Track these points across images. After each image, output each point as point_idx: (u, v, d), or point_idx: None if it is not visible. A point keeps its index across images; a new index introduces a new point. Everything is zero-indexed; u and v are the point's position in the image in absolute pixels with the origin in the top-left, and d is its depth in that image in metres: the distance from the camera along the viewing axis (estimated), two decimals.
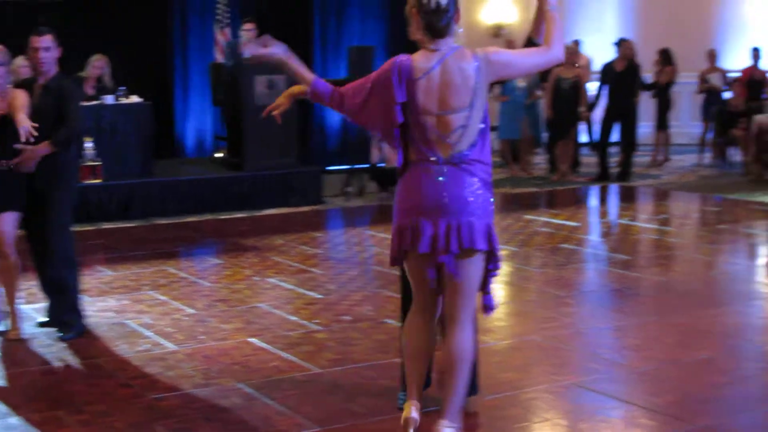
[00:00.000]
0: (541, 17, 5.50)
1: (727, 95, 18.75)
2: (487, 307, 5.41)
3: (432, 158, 5.15)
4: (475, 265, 5.23)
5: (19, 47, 8.64)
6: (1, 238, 7.62)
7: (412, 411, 5.39)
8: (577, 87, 16.39)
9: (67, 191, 7.80)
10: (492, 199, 5.29)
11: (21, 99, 7.48)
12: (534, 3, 5.64)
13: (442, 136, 5.13)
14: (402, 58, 5.17)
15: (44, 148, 7.51)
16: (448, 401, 5.31)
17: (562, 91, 16.33)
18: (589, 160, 18.29)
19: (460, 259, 5.18)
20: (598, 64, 18.05)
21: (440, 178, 5.13)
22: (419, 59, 5.14)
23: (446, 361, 5.31)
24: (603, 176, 16.72)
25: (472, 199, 5.16)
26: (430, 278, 5.29)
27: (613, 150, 17.28)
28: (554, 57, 5.28)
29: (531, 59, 5.31)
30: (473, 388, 5.84)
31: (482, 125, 5.22)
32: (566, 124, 16.57)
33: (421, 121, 5.14)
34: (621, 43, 17.00)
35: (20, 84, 7.93)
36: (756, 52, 18.79)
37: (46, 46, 7.70)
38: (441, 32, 5.15)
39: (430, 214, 5.13)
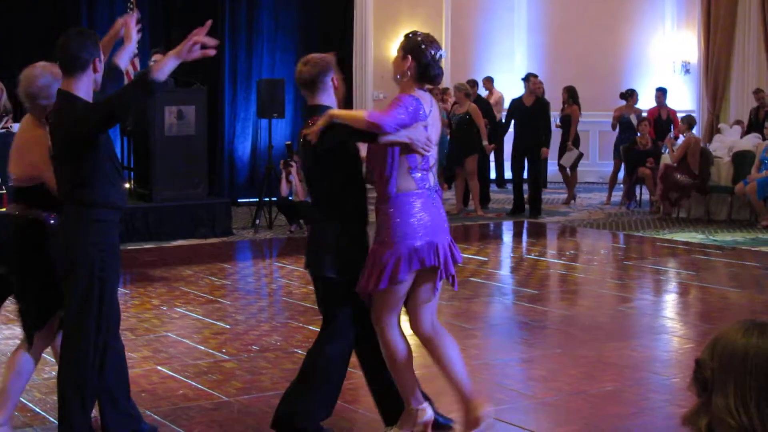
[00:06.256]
0: None
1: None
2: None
3: (429, 187, 5.68)
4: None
5: None
6: None
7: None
8: (465, 123, 16.43)
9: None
10: None
11: None
12: None
13: (432, 166, 5.72)
14: (416, 95, 5.60)
15: None
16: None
17: (452, 126, 16.49)
18: (498, 195, 18.49)
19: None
20: (509, 102, 18.20)
21: (438, 203, 5.74)
22: (423, 98, 5.62)
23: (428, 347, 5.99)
24: (516, 210, 16.86)
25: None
26: None
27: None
28: None
29: None
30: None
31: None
32: (457, 159, 16.72)
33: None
34: (528, 78, 17.14)
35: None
36: (661, 92, 18.97)
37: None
38: (438, 79, 5.76)
39: (441, 235, 5.68)
